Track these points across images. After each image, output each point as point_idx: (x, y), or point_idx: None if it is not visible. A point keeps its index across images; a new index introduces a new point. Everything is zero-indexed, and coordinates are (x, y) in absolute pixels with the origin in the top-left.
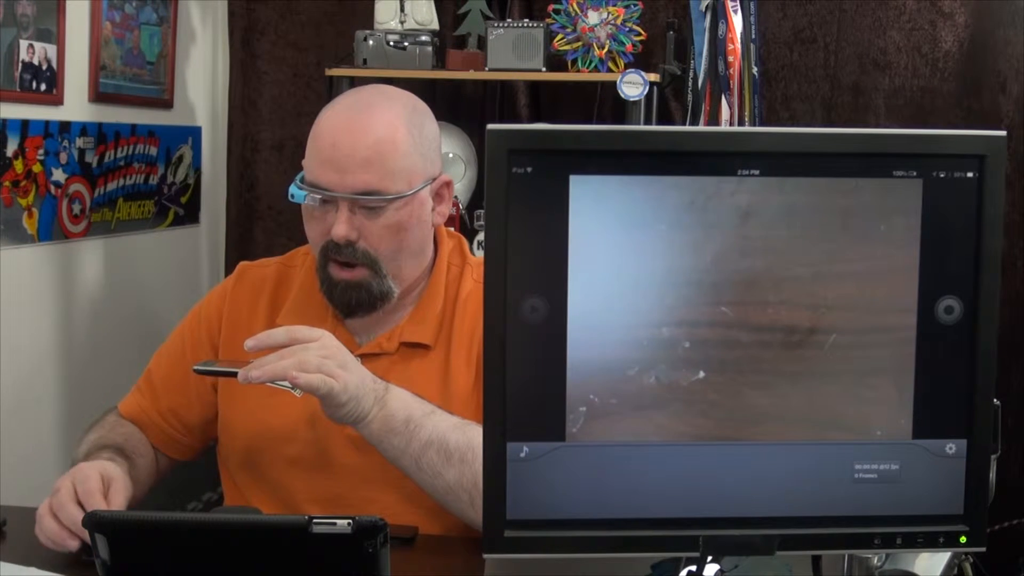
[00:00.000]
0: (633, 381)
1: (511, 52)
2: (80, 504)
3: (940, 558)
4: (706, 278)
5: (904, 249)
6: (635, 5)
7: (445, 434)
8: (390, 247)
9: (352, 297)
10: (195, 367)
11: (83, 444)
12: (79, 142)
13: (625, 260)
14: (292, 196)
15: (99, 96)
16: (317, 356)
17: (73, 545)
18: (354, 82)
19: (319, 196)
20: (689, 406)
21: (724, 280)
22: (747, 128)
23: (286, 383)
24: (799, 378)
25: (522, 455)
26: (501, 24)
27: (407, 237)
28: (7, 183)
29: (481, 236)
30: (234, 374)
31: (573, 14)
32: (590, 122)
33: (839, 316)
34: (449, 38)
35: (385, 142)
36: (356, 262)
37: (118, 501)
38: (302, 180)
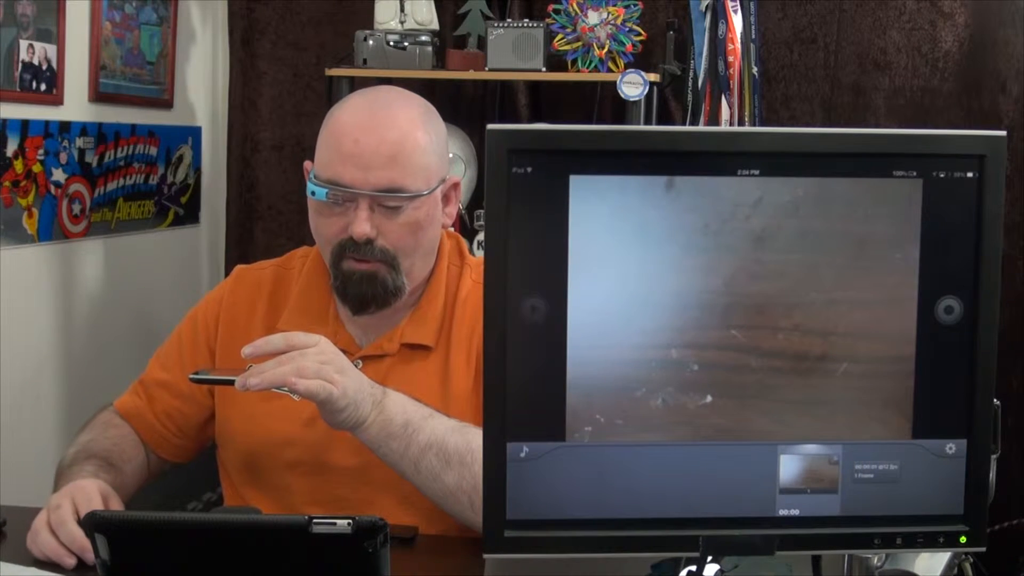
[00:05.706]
0: (640, 403)
1: (511, 52)
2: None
3: (940, 558)
4: (717, 300)
5: (904, 250)
6: (635, 5)
7: (444, 437)
8: (407, 245)
9: (367, 291)
10: (191, 376)
11: (73, 446)
12: (79, 142)
13: (628, 271)
14: (312, 194)
15: (99, 96)
16: (315, 361)
17: (70, 563)
18: (354, 82)
19: (340, 193)
20: (695, 430)
21: (735, 303)
22: (747, 128)
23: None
24: (808, 407)
25: (522, 455)
26: (501, 24)
27: (423, 236)
28: (7, 183)
29: (481, 236)
30: (231, 382)
31: (573, 14)
32: (590, 122)
33: (851, 343)
34: (449, 38)
35: (408, 140)
36: (373, 259)
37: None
38: (315, 177)
